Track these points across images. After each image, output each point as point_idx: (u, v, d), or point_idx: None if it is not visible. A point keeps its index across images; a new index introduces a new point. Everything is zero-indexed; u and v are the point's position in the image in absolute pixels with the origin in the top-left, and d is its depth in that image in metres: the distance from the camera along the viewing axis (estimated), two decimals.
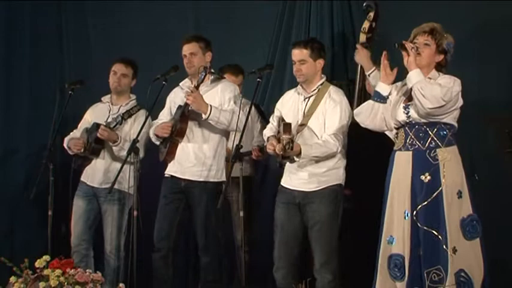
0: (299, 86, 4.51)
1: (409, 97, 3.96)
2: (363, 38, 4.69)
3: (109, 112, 5.15)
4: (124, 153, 4.85)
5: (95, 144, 5.02)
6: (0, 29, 6.43)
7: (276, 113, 4.56)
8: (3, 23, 6.42)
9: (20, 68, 6.43)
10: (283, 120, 4.41)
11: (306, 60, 4.41)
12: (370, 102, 4.04)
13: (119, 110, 5.14)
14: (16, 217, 6.19)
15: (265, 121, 5.42)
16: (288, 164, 4.40)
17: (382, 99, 4.00)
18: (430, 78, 3.95)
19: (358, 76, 4.76)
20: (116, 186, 4.80)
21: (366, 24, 4.70)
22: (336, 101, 4.37)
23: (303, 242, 4.42)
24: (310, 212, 4.33)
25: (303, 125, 4.37)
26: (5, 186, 6.20)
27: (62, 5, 6.44)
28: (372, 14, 4.67)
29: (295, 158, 4.25)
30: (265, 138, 4.51)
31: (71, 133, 5.20)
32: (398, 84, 4.14)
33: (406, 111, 3.95)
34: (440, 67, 4.01)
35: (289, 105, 4.51)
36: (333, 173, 4.37)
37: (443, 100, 3.80)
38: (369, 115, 4.03)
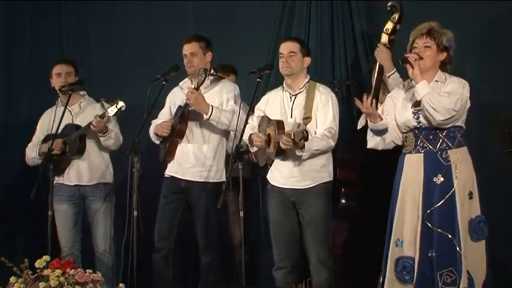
0: (284, 84, 4.50)
1: (416, 102, 3.94)
2: (385, 39, 4.52)
3: (71, 113, 5.10)
4: (111, 142, 4.99)
5: (80, 143, 5.02)
6: (0, 29, 6.43)
7: (257, 113, 4.53)
8: (3, 23, 6.43)
9: (20, 68, 6.43)
10: (269, 119, 4.41)
11: (296, 53, 4.41)
12: (378, 138, 4.03)
13: (80, 107, 5.15)
14: (16, 217, 6.19)
15: None
16: (276, 162, 4.40)
17: (383, 131, 4.00)
18: (437, 81, 3.94)
19: (376, 77, 4.66)
20: (102, 181, 5.00)
21: (389, 25, 4.51)
22: (327, 96, 4.39)
23: (299, 240, 4.42)
24: (305, 209, 4.33)
25: (308, 118, 4.35)
26: (5, 186, 6.20)
27: (62, 5, 6.44)
28: (396, 16, 4.47)
29: (298, 152, 4.24)
30: (246, 138, 4.45)
31: (30, 145, 5.17)
32: (401, 85, 4.14)
33: (416, 117, 3.93)
34: (444, 65, 4.00)
35: (276, 104, 4.49)
36: (325, 169, 4.38)
37: (454, 110, 3.81)
38: (383, 144, 4.05)
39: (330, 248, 4.35)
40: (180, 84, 4.89)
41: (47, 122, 5.17)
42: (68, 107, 5.07)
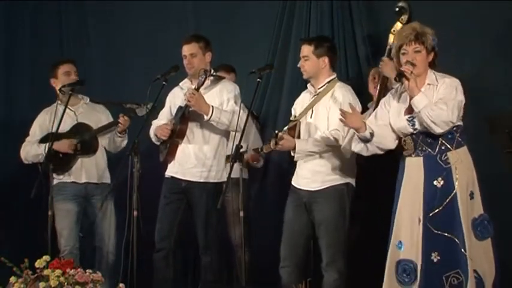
0: (309, 84, 4.52)
1: (409, 108, 3.93)
2: (392, 39, 4.49)
3: (75, 114, 5.18)
4: (125, 142, 5.10)
5: (94, 142, 5.12)
6: (0, 28, 6.43)
7: (293, 112, 4.58)
8: (3, 23, 6.44)
9: (20, 68, 6.43)
10: (291, 120, 4.47)
11: (309, 57, 4.42)
12: (362, 145, 4.01)
13: (83, 108, 5.23)
14: (16, 217, 6.19)
15: (260, 124, 5.42)
16: (298, 163, 4.43)
17: (369, 140, 3.97)
18: (429, 85, 3.93)
19: (379, 88, 4.56)
20: (106, 180, 5.11)
21: (397, 27, 4.51)
22: (338, 97, 4.35)
23: (309, 241, 4.43)
24: (316, 212, 4.33)
25: (296, 120, 4.40)
26: (5, 186, 6.20)
27: (62, 5, 6.44)
28: (405, 17, 4.47)
29: (291, 153, 4.29)
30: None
31: (28, 142, 5.18)
32: (393, 91, 4.13)
33: (411, 124, 3.92)
34: (433, 63, 3.99)
35: (301, 104, 4.53)
36: (338, 171, 4.35)
37: (452, 122, 3.81)
38: (366, 151, 4.02)
39: (343, 250, 4.30)
40: (180, 84, 4.89)
41: (47, 121, 5.19)
42: (71, 107, 5.14)
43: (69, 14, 6.42)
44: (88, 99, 5.30)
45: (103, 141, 5.21)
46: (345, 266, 4.29)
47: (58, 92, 5.16)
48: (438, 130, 3.81)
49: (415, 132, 3.92)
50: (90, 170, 5.14)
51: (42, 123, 5.23)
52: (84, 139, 5.11)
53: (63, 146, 5.05)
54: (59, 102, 5.20)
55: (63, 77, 5.16)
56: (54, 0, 6.44)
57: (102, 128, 5.13)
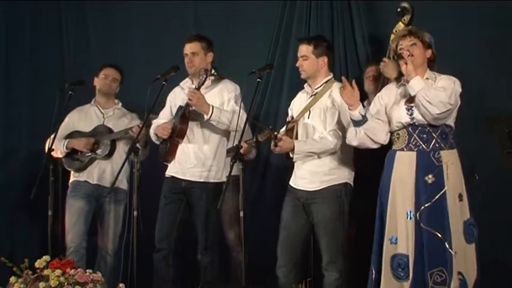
0: (306, 84, 4.52)
1: (410, 98, 3.95)
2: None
3: (103, 116, 5.26)
4: (146, 153, 5.08)
5: (111, 146, 5.18)
6: (0, 29, 6.43)
7: (290, 113, 4.58)
8: (3, 23, 6.43)
9: (20, 68, 6.43)
10: (289, 120, 4.46)
11: (308, 57, 4.41)
12: (352, 129, 4.07)
13: (113, 112, 5.31)
14: (16, 217, 6.19)
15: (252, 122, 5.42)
16: (296, 163, 4.43)
17: (359, 123, 4.03)
18: (427, 79, 3.94)
19: (379, 90, 4.51)
20: (119, 186, 5.02)
21: (399, 27, 4.54)
22: (336, 98, 4.34)
23: (307, 240, 4.43)
24: (314, 212, 4.33)
25: (294, 121, 4.39)
26: (5, 186, 6.20)
27: (62, 5, 6.44)
28: (407, 18, 4.49)
29: (290, 154, 4.29)
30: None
31: (52, 139, 5.13)
32: (391, 85, 4.14)
33: (409, 113, 3.93)
34: (432, 63, 4.01)
35: (298, 104, 4.52)
36: (336, 172, 4.35)
37: (450, 104, 3.80)
38: (355, 138, 4.08)
39: (343, 250, 4.29)
40: (181, 84, 4.89)
41: (75, 119, 5.26)
42: (102, 109, 5.27)
43: (69, 14, 6.42)
44: (120, 104, 5.37)
45: (125, 147, 5.21)
46: (345, 265, 4.30)
47: (97, 91, 5.31)
48: (434, 111, 3.80)
49: (411, 122, 3.93)
50: (103, 172, 5.18)
51: (69, 120, 5.29)
52: (102, 141, 5.16)
53: (79, 143, 5.15)
54: (92, 102, 5.33)
55: (101, 77, 5.28)
56: (54, 0, 6.43)
57: (120, 133, 5.15)
